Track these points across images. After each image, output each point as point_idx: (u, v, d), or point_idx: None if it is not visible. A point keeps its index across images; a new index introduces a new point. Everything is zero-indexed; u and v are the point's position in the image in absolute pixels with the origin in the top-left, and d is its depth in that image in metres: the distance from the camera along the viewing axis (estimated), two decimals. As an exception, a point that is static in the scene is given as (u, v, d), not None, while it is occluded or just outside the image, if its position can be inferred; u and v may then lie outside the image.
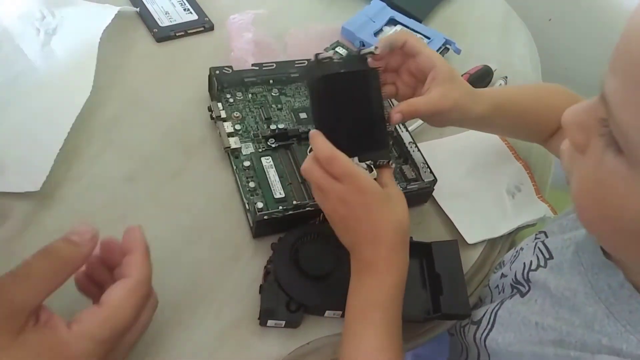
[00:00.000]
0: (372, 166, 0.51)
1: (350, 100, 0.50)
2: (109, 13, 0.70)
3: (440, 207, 0.62)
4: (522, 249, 0.55)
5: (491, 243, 0.61)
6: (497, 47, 0.85)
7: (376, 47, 0.52)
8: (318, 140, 0.48)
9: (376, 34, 0.78)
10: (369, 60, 0.55)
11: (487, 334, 0.50)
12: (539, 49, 0.87)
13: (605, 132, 0.34)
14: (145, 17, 0.75)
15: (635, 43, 0.31)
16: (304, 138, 0.62)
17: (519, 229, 0.63)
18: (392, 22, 0.81)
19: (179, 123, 0.64)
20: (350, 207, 0.47)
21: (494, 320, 0.50)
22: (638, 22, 0.31)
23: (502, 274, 0.55)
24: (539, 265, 0.49)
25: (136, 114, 0.64)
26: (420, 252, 0.54)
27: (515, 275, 0.52)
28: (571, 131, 0.38)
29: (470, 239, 0.60)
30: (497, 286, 0.56)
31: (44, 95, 0.63)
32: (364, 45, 0.76)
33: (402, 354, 0.46)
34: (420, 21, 0.82)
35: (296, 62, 0.67)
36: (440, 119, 0.56)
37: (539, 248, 0.51)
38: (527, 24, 0.91)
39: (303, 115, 0.65)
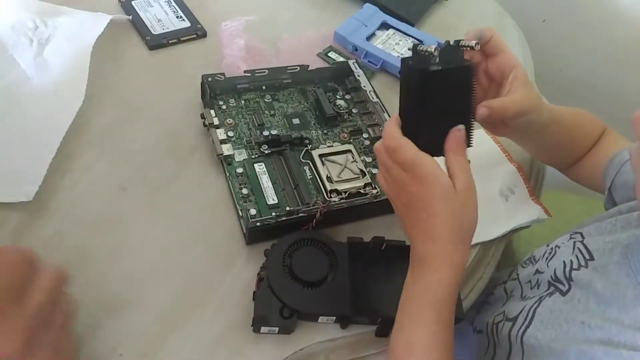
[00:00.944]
0: None
1: (444, 99, 0.47)
2: (101, 21, 0.70)
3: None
4: (558, 247, 0.55)
5: (485, 245, 0.61)
6: (490, 49, 0.85)
7: (477, 43, 0.48)
8: (387, 128, 0.47)
9: (369, 38, 0.78)
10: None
11: (525, 331, 0.50)
12: (533, 50, 0.87)
13: None
14: (138, 25, 0.75)
15: None
16: (296, 144, 0.62)
17: (512, 231, 0.63)
18: (385, 26, 0.81)
19: (171, 130, 0.64)
20: (410, 196, 0.45)
21: (532, 317, 0.51)
22: None
23: (537, 270, 0.56)
24: (580, 265, 0.50)
25: (129, 122, 0.64)
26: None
27: (554, 273, 0.52)
28: None
29: (463, 242, 0.60)
30: (530, 281, 0.56)
31: (37, 104, 0.63)
32: (356, 50, 0.76)
33: (450, 354, 0.45)
34: (412, 25, 0.82)
35: (288, 68, 0.68)
36: (512, 125, 0.54)
37: (578, 248, 0.52)
38: (520, 25, 0.91)
39: (296, 121, 0.65)
